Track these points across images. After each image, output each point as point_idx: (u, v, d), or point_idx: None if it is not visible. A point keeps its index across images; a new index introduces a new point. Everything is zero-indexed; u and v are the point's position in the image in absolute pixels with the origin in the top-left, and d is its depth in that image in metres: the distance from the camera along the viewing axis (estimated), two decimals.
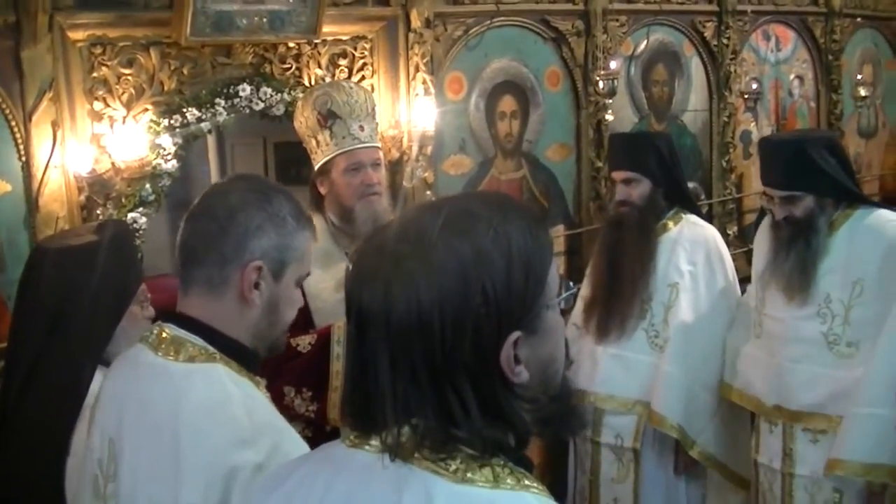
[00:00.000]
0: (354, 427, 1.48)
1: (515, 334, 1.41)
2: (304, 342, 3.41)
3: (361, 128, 3.63)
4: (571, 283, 1.52)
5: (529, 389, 1.44)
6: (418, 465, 1.39)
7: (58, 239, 3.15)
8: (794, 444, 4.04)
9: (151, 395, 2.03)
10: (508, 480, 1.39)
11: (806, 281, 3.95)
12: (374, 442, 1.43)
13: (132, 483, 2.01)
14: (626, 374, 4.47)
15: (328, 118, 3.59)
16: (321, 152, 3.64)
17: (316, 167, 3.67)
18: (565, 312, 1.51)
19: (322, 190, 3.68)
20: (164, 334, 2.09)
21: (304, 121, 3.68)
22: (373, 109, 3.75)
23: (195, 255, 2.08)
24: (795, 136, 4.23)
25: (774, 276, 4.05)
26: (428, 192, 4.93)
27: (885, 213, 3.97)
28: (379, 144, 3.80)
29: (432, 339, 1.37)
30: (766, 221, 4.24)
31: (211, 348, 2.06)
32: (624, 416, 4.49)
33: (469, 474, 1.37)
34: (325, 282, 3.40)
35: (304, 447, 1.99)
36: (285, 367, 3.23)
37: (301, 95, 4.13)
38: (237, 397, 2.00)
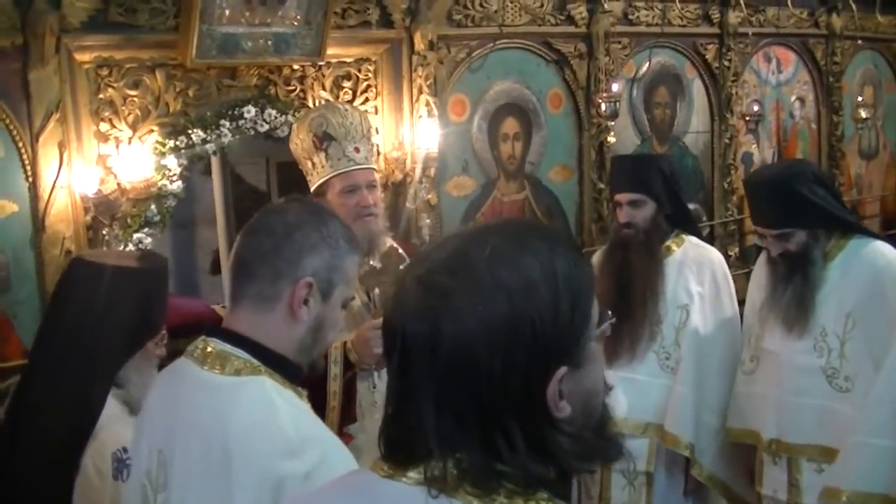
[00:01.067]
0: (391, 457, 1.45)
1: (563, 370, 1.38)
2: None
3: (357, 149, 3.63)
4: (609, 313, 1.52)
5: (572, 424, 1.41)
6: (462, 500, 1.36)
7: (100, 255, 3.18)
8: (800, 475, 4.03)
9: (200, 407, 2.07)
10: None
11: (804, 313, 3.96)
12: (413, 473, 1.40)
13: (182, 493, 2.06)
14: (638, 397, 4.45)
15: (323, 140, 3.60)
16: (317, 174, 3.65)
17: (312, 189, 3.69)
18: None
19: None
20: (208, 349, 2.13)
21: (299, 143, 3.69)
22: (368, 131, 3.76)
23: (249, 268, 2.14)
24: (779, 172, 4.22)
25: (773, 311, 4.07)
26: (425, 218, 4.93)
27: (878, 246, 3.98)
28: (374, 166, 3.81)
29: (480, 376, 1.35)
30: (763, 257, 4.26)
31: (255, 361, 2.10)
32: (636, 440, 4.47)
33: None
34: None
35: (350, 458, 2.05)
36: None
37: None
38: (284, 409, 2.05)
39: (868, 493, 3.45)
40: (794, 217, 3.92)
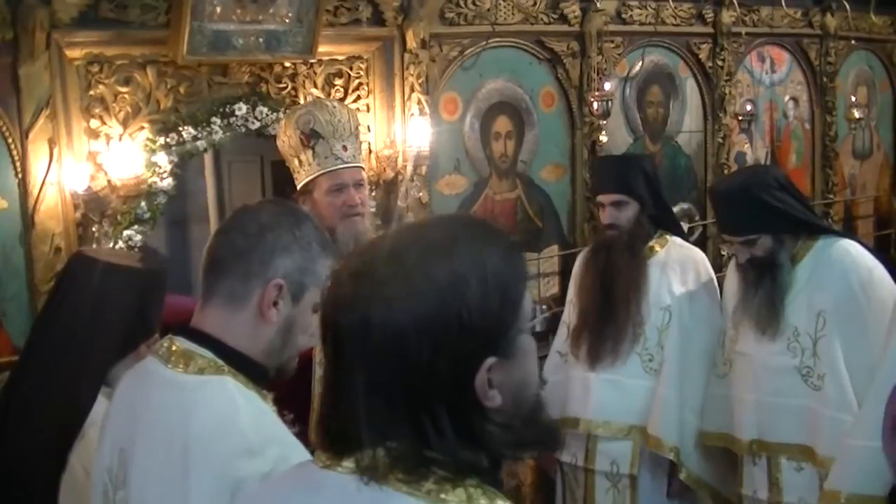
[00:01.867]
0: (328, 448, 1.50)
1: (490, 360, 1.43)
2: None
3: (345, 147, 3.63)
4: (544, 307, 1.57)
5: (502, 413, 1.46)
6: (393, 486, 1.40)
7: (101, 253, 3.17)
8: (779, 474, 4.07)
9: (162, 406, 2.08)
10: (482, 500, 1.40)
11: (775, 315, 4.01)
12: (347, 463, 1.45)
13: (141, 492, 2.06)
14: (621, 400, 4.46)
15: (311, 138, 3.59)
16: (304, 172, 3.64)
17: (298, 187, 3.68)
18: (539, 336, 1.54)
19: (304, 209, 3.68)
20: (174, 347, 2.14)
21: (286, 140, 3.68)
22: (356, 129, 3.75)
23: (221, 266, 2.15)
24: (740, 181, 4.27)
25: (746, 314, 4.10)
26: (410, 215, 4.91)
27: (845, 244, 4.02)
28: (362, 164, 3.81)
29: (409, 363, 1.39)
30: (732, 263, 4.29)
31: (219, 361, 2.11)
32: (620, 442, 4.48)
33: (443, 495, 1.39)
34: None
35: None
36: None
37: None
38: (245, 410, 2.05)
39: (867, 495, 3.46)
40: (758, 223, 3.98)
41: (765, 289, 4.02)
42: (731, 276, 4.30)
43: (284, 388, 3.28)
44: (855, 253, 3.99)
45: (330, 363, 1.50)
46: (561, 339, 4.74)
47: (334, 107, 3.75)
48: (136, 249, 4.11)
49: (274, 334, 2.17)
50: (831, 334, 3.87)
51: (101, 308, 2.77)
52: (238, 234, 2.15)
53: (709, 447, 4.39)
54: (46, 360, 2.79)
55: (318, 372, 3.34)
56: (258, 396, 2.13)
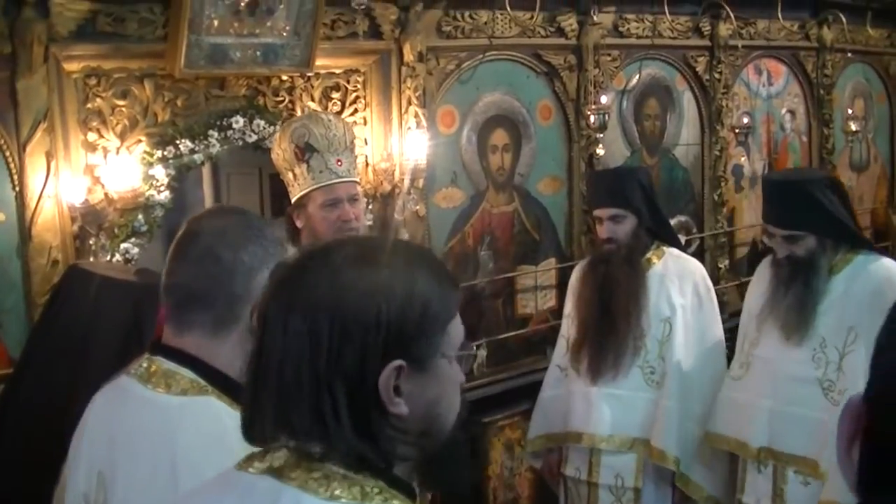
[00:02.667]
0: (249, 440, 1.57)
1: (398, 361, 1.46)
2: None
3: (339, 161, 3.62)
4: (475, 346, 1.61)
5: (405, 425, 1.50)
6: (291, 483, 1.46)
7: (97, 266, 3.17)
8: (785, 485, 4.04)
9: (144, 428, 2.05)
10: (376, 499, 1.45)
11: (804, 321, 3.96)
12: (257, 464, 1.52)
13: None
14: (623, 413, 4.46)
15: (305, 151, 3.58)
16: (298, 186, 3.64)
17: (293, 200, 3.68)
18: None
19: (298, 223, 3.68)
20: (153, 367, 2.11)
21: (281, 153, 3.67)
22: (352, 142, 3.75)
23: (201, 298, 2.11)
24: (800, 175, 4.26)
25: (772, 314, 4.06)
26: (404, 232, 4.92)
27: (885, 263, 4.00)
28: (357, 178, 3.80)
29: (318, 346, 1.44)
30: (766, 260, 4.26)
31: (202, 381, 2.09)
32: (623, 455, 4.48)
33: (337, 492, 1.44)
34: None
35: None
36: None
37: None
38: (232, 429, 2.02)
39: None
40: (807, 220, 3.94)
41: (796, 291, 3.99)
42: (762, 274, 4.27)
43: None
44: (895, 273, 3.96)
45: (253, 353, 1.55)
46: (560, 352, 4.74)
47: (329, 120, 3.74)
48: (133, 263, 4.11)
49: None
50: (859, 351, 3.80)
51: (96, 321, 2.78)
52: (211, 263, 2.11)
53: (712, 457, 4.38)
54: (41, 373, 2.80)
55: None
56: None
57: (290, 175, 3.66)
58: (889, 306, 4.02)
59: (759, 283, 4.27)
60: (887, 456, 0.97)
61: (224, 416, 2.04)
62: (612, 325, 4.44)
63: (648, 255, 4.52)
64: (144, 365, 2.13)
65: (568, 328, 4.70)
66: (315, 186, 3.61)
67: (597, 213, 4.55)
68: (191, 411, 2.04)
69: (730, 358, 4.50)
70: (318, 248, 1.57)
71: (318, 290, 1.47)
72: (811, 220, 3.95)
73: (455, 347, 1.56)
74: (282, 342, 1.47)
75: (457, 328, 1.58)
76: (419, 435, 1.52)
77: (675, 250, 4.59)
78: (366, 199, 4.73)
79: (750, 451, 4.13)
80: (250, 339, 2.12)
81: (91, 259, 3.98)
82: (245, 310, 2.11)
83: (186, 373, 2.09)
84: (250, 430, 1.56)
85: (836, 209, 3.97)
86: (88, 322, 2.79)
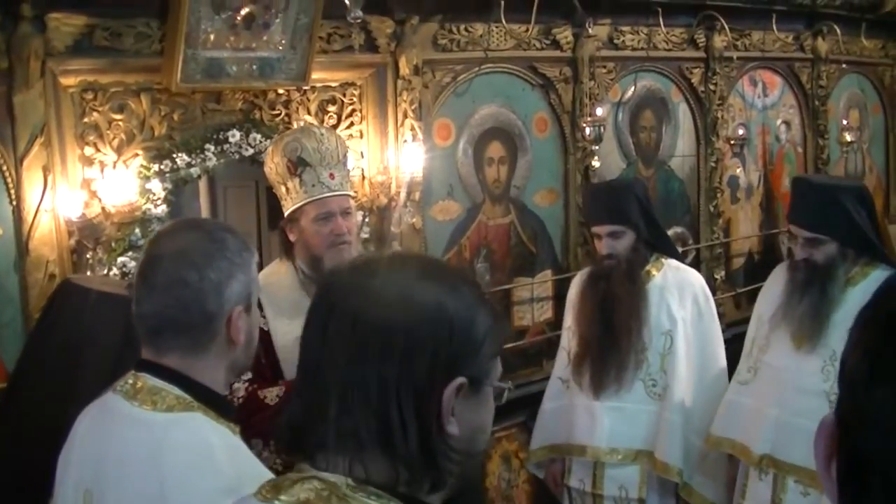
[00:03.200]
0: (286, 443, 1.55)
1: (462, 379, 1.46)
2: (272, 394, 3.38)
3: (332, 175, 3.61)
4: (509, 384, 1.62)
5: (454, 444, 1.48)
6: None
7: (89, 281, 3.17)
8: (784, 495, 4.04)
9: (131, 445, 2.05)
10: None
11: (817, 329, 3.94)
12: (284, 497, 1.46)
13: None
14: (627, 426, 4.47)
15: (298, 165, 3.58)
16: (290, 199, 3.63)
17: (286, 213, 3.68)
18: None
19: (291, 237, 3.67)
20: (139, 384, 2.11)
21: (273, 167, 3.67)
22: (345, 156, 3.74)
23: (175, 324, 2.11)
24: (832, 181, 4.27)
25: (785, 319, 4.05)
26: (396, 245, 4.93)
27: None
28: (350, 192, 3.79)
29: (391, 352, 1.43)
30: (782, 264, 4.26)
31: (188, 397, 2.09)
32: (627, 467, 4.49)
33: None
34: (293, 332, 3.22)
35: None
36: (253, 420, 3.13)
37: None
38: (219, 445, 2.03)
39: None
40: (831, 226, 3.93)
41: (811, 298, 3.98)
42: (776, 278, 4.26)
43: (269, 419, 3.23)
44: None
45: (310, 346, 1.53)
46: (562, 364, 4.74)
47: (322, 134, 3.73)
48: (129, 277, 4.11)
49: (240, 352, 2.18)
50: None
51: (90, 336, 2.78)
52: (180, 288, 2.10)
53: (714, 467, 4.38)
54: (35, 388, 2.80)
55: None
56: (229, 431, 2.12)
57: (283, 189, 3.66)
58: None
59: (774, 286, 4.26)
60: (860, 468, 0.98)
61: (210, 433, 2.05)
62: (615, 341, 4.44)
63: (648, 267, 4.52)
64: (130, 381, 2.13)
65: (568, 341, 4.70)
66: (307, 200, 3.60)
67: (595, 229, 4.56)
68: (177, 428, 2.04)
69: (729, 368, 4.50)
70: (379, 258, 1.59)
71: (389, 302, 1.46)
72: (836, 226, 3.95)
73: (497, 379, 1.57)
74: (351, 337, 1.45)
75: (498, 364, 1.58)
76: (463, 455, 1.51)
77: (673, 261, 4.60)
78: (362, 213, 4.74)
79: (752, 457, 4.13)
80: (230, 351, 2.16)
81: (88, 273, 3.98)
82: (221, 323, 2.11)
83: (172, 389, 2.09)
84: (300, 436, 1.52)
85: (862, 220, 3.96)
86: (82, 337, 2.79)
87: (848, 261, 3.98)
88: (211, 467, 1.96)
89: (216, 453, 1.99)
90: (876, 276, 3.97)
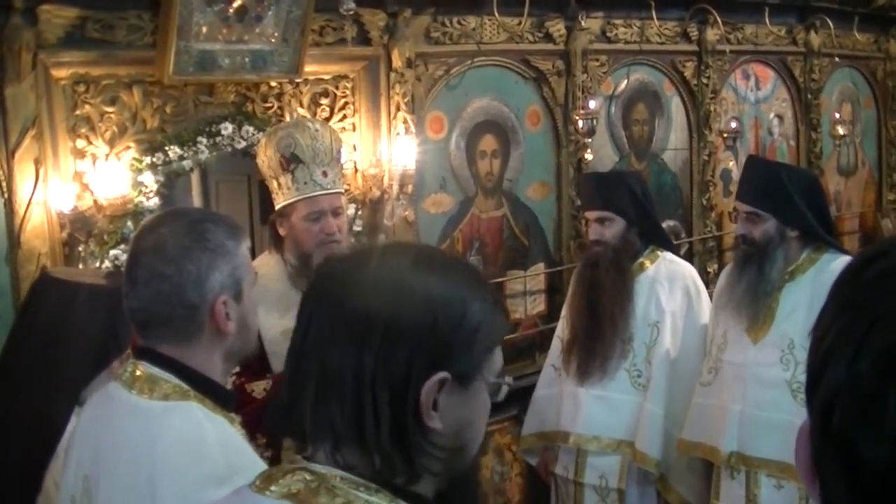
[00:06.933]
0: (287, 433, 1.56)
1: (444, 374, 1.43)
2: (260, 388, 3.38)
3: (325, 173, 3.59)
4: (508, 380, 1.59)
5: (438, 439, 1.46)
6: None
7: (69, 273, 3.16)
8: (758, 490, 4.04)
9: (126, 433, 2.06)
10: None
11: (755, 311, 3.99)
12: (275, 487, 1.45)
13: None
14: (609, 415, 4.48)
15: (291, 162, 3.55)
16: (282, 195, 3.62)
17: (276, 208, 3.67)
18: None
19: (281, 231, 3.66)
20: (138, 372, 2.11)
21: (266, 160, 3.65)
22: (338, 153, 3.71)
23: (158, 319, 2.12)
24: (781, 164, 4.33)
25: (730, 304, 4.09)
26: (383, 237, 4.92)
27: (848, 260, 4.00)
28: (342, 190, 3.78)
29: (370, 344, 1.41)
30: (728, 267, 4.32)
31: (185, 385, 2.09)
32: (608, 457, 4.50)
33: None
34: (281, 326, 3.21)
35: None
36: (240, 414, 3.13)
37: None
38: (212, 435, 2.03)
39: None
40: (771, 203, 3.96)
41: (749, 278, 4.02)
42: (725, 272, 4.32)
43: (258, 412, 3.23)
44: None
45: (296, 333, 1.52)
46: (556, 352, 4.76)
47: (316, 129, 3.70)
48: (105, 267, 4.09)
49: (233, 339, 2.18)
50: None
51: (71, 327, 2.77)
52: (159, 282, 2.11)
53: (691, 463, 4.39)
54: (18, 381, 2.79)
55: None
56: (226, 421, 2.13)
57: (275, 183, 3.64)
58: None
59: (722, 279, 4.35)
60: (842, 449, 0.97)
61: (204, 422, 2.05)
62: (600, 329, 4.46)
63: (642, 259, 4.54)
64: (129, 369, 2.14)
65: (563, 329, 4.73)
66: (299, 198, 3.58)
67: (586, 214, 4.62)
68: (171, 416, 2.05)
69: None
70: (375, 247, 1.59)
71: (374, 290, 1.44)
72: (775, 204, 3.98)
73: (493, 374, 1.55)
74: (329, 338, 1.45)
75: (498, 356, 1.56)
76: (450, 452, 1.49)
77: (669, 254, 4.62)
78: (355, 206, 4.74)
79: (721, 456, 4.13)
80: (222, 339, 2.16)
81: (80, 266, 3.97)
82: (205, 314, 2.11)
83: (170, 377, 2.09)
84: (288, 423, 1.52)
85: (803, 204, 3.98)
86: (63, 329, 2.78)
87: (787, 243, 4.01)
88: (202, 456, 1.97)
89: (208, 442, 2.00)
90: (824, 261, 4.00)
